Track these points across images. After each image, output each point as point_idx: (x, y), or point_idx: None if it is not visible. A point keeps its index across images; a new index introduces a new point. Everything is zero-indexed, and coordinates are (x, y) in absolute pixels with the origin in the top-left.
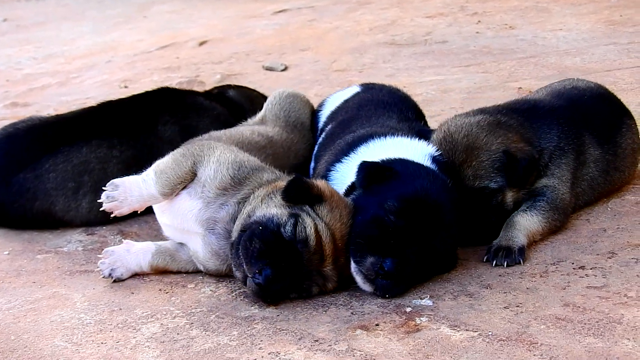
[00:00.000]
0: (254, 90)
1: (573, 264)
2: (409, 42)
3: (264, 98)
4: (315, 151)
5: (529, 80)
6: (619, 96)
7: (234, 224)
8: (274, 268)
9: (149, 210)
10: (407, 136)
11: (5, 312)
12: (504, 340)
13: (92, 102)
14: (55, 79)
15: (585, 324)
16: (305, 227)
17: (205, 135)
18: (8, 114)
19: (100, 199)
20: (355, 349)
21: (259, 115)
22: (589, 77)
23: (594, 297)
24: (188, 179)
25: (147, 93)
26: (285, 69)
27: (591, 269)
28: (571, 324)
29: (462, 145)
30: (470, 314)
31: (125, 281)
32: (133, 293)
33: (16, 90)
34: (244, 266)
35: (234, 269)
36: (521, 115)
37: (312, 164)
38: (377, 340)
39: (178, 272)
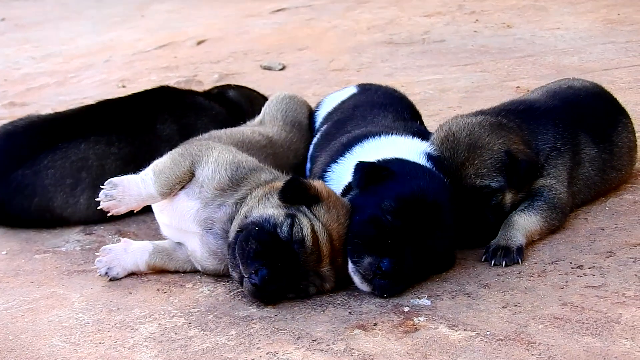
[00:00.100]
0: (253, 91)
1: (571, 263)
2: (407, 41)
3: (263, 98)
4: (310, 152)
5: (527, 80)
6: (617, 95)
7: (232, 224)
8: (270, 268)
9: (148, 210)
10: (402, 135)
11: (3, 312)
12: (502, 340)
13: (90, 102)
14: (53, 79)
15: (583, 323)
16: (301, 228)
17: (206, 135)
18: (6, 113)
19: (98, 195)
20: (353, 349)
21: (257, 118)
22: (587, 76)
23: (592, 297)
24: (186, 179)
25: (146, 91)
26: (283, 68)
27: (589, 268)
28: (569, 324)
29: (465, 144)
30: (469, 314)
31: (123, 281)
32: (131, 293)
33: (14, 90)
34: (241, 267)
35: (230, 269)
36: (518, 117)
37: (308, 165)
38: (375, 339)
39: (176, 272)
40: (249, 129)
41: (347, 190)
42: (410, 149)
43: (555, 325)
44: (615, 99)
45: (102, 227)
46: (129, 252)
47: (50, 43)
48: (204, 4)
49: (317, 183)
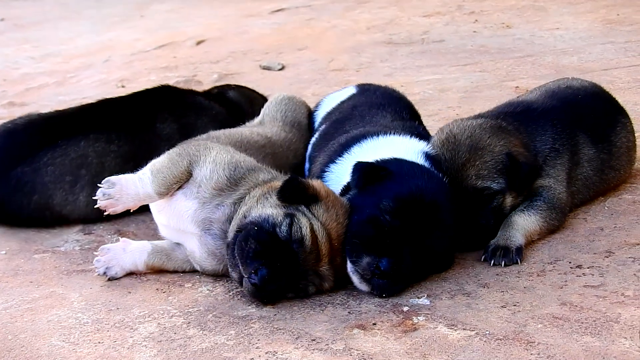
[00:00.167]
0: (253, 91)
1: (570, 263)
2: (406, 42)
3: (263, 99)
4: (309, 152)
5: (526, 80)
6: (616, 95)
7: (230, 224)
8: (270, 268)
9: (147, 210)
10: (400, 134)
11: (2, 312)
12: (501, 340)
13: (90, 102)
14: (52, 79)
15: (582, 323)
16: (300, 227)
17: (204, 135)
18: (5, 113)
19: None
20: (352, 348)
21: (257, 120)
22: (586, 76)
23: (591, 296)
24: (184, 179)
25: (147, 90)
26: (283, 68)
27: (588, 268)
28: (568, 323)
29: (466, 145)
30: (468, 313)
31: (122, 281)
32: (130, 292)
33: (13, 90)
34: (240, 267)
35: (230, 269)
36: (516, 119)
37: (307, 165)
38: (375, 339)
39: (175, 272)
40: (247, 130)
41: (345, 190)
42: (408, 149)
43: (554, 325)
44: (614, 99)
45: (101, 227)
46: (127, 251)
47: (49, 43)
48: (204, 4)
49: (315, 182)
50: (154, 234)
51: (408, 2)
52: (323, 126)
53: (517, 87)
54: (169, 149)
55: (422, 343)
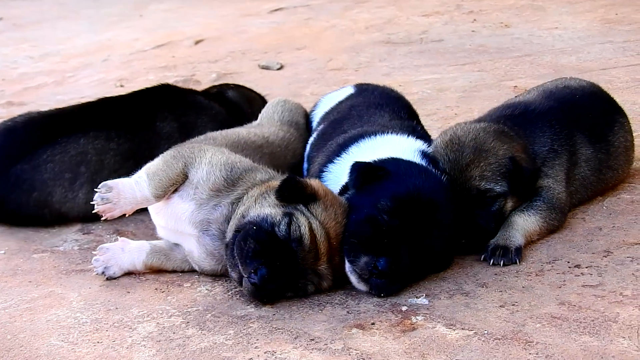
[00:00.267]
0: (252, 91)
1: (569, 262)
2: (404, 41)
3: (262, 99)
4: (307, 152)
5: (525, 79)
6: (615, 95)
7: (228, 224)
8: (269, 267)
9: (145, 209)
10: (398, 133)
11: (2, 312)
12: (499, 339)
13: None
14: (51, 78)
15: (580, 322)
16: (299, 226)
17: (201, 137)
18: (4, 113)
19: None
20: (351, 348)
21: (254, 123)
22: (585, 75)
23: (589, 296)
24: (179, 181)
25: (147, 89)
26: (281, 67)
27: (587, 267)
28: (567, 323)
29: (470, 147)
30: (466, 313)
31: (121, 280)
32: (129, 292)
33: (12, 90)
34: (239, 266)
35: (229, 269)
36: (516, 123)
37: (305, 165)
38: (373, 339)
39: (173, 271)
40: (245, 130)
41: (344, 190)
42: (406, 148)
43: (552, 325)
44: (612, 99)
45: (100, 227)
46: (126, 251)
47: (48, 42)
48: (202, 3)
49: (313, 182)
50: (153, 234)
51: (407, 2)
52: (321, 126)
53: (516, 86)
54: (168, 148)
55: (420, 343)
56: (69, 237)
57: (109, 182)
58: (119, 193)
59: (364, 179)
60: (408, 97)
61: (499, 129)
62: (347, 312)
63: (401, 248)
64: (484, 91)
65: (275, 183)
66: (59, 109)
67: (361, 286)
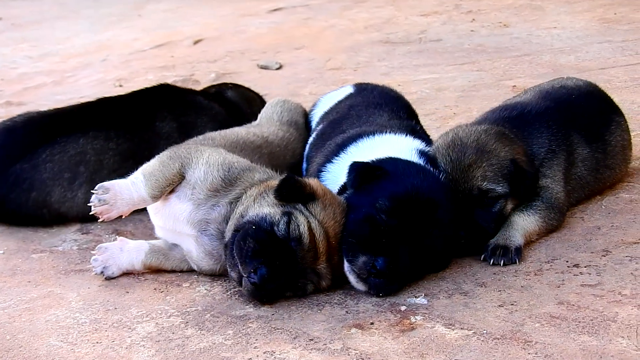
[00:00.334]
0: (251, 91)
1: (567, 262)
2: (403, 41)
3: (261, 99)
4: (306, 151)
5: (524, 79)
6: (613, 94)
7: (227, 224)
8: (269, 267)
9: (144, 209)
10: (396, 133)
11: (0, 312)
12: (498, 339)
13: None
14: (50, 78)
15: (579, 322)
16: (298, 225)
17: (200, 137)
18: (3, 113)
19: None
20: (350, 348)
21: (254, 123)
22: (584, 75)
23: (588, 295)
24: (176, 182)
25: (147, 89)
26: (280, 67)
27: (585, 267)
28: (565, 322)
29: (473, 148)
30: (465, 313)
31: (120, 280)
32: (128, 292)
33: (11, 90)
34: (239, 266)
35: (228, 269)
36: (514, 125)
37: (304, 165)
38: (372, 338)
39: (172, 271)
40: (244, 130)
41: (342, 189)
42: (404, 148)
43: (551, 324)
44: (609, 98)
45: (99, 227)
46: (125, 251)
47: (47, 42)
48: (201, 3)
49: (312, 181)
50: (152, 234)
51: (405, 2)
52: (320, 126)
53: (515, 86)
54: (167, 148)
55: (419, 342)
56: (68, 237)
57: (106, 184)
58: (116, 194)
59: (362, 178)
60: (407, 97)
61: (500, 131)
62: (346, 312)
63: (399, 248)
64: (482, 91)
65: (274, 182)
66: (58, 108)
67: (360, 286)
